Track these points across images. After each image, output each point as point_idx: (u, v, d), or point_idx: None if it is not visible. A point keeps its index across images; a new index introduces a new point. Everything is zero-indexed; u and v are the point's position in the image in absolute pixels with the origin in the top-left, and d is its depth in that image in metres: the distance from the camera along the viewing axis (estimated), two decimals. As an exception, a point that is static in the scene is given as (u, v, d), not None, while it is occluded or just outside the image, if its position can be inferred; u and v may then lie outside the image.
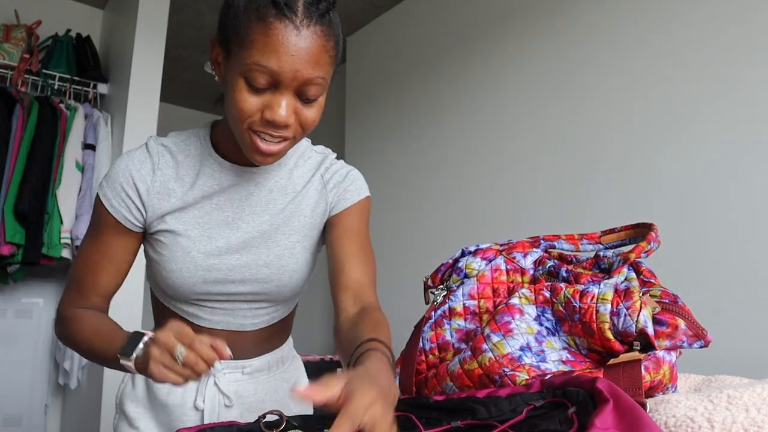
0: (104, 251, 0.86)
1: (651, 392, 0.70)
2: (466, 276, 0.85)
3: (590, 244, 0.86)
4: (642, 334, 0.66)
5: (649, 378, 0.68)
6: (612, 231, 0.86)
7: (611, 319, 0.68)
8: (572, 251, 0.87)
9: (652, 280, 0.77)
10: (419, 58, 2.87)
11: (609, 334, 0.67)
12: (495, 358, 0.71)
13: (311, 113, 0.76)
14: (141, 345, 0.69)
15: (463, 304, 0.83)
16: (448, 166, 2.62)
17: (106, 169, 2.44)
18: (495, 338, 0.73)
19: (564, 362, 0.71)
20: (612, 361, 0.68)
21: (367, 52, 3.25)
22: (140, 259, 0.90)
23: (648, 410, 0.60)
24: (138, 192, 0.84)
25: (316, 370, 1.04)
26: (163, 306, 0.92)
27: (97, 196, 0.85)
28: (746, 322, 1.57)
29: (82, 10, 2.97)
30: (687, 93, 1.80)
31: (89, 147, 2.48)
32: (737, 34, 1.71)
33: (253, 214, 0.87)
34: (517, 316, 0.74)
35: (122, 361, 0.71)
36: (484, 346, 0.73)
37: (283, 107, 0.73)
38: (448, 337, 0.82)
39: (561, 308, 0.73)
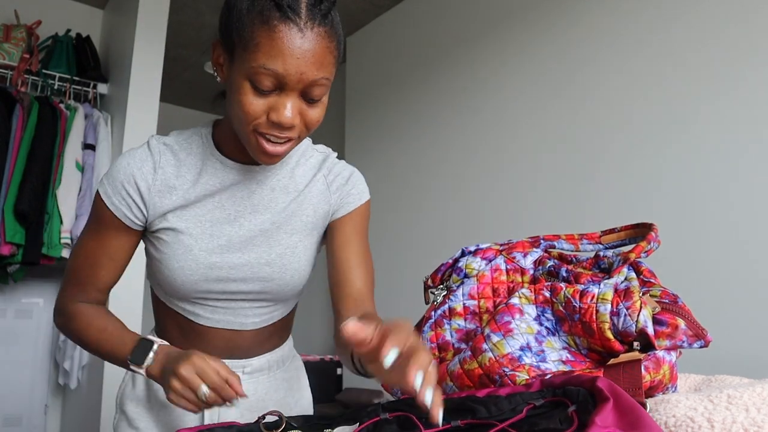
0: (104, 248, 0.86)
1: (651, 392, 0.70)
2: (466, 276, 0.85)
3: (590, 244, 0.86)
4: (642, 334, 0.66)
5: (649, 378, 0.68)
6: (612, 231, 0.86)
7: (611, 319, 0.68)
8: (572, 251, 0.87)
9: (652, 280, 0.77)
10: (419, 58, 2.87)
11: (609, 334, 0.67)
12: (495, 358, 0.71)
13: (316, 113, 0.77)
14: (151, 354, 0.77)
15: (463, 304, 0.83)
16: (448, 166, 2.62)
17: (106, 169, 2.44)
18: (495, 338, 0.73)
19: (564, 362, 0.71)
20: (612, 361, 0.68)
21: (367, 52, 3.25)
22: (141, 258, 0.91)
23: (648, 410, 0.60)
24: (139, 190, 0.84)
25: (316, 370, 1.05)
26: (164, 305, 0.92)
27: (98, 193, 0.85)
28: (746, 322, 1.57)
29: (82, 10, 2.97)
30: (687, 93, 1.81)
31: (89, 147, 2.48)
32: (737, 34, 1.71)
33: (255, 212, 0.88)
34: (517, 316, 0.74)
35: (133, 367, 0.78)
36: (484, 346, 0.73)
37: (289, 109, 0.73)
38: (448, 337, 0.82)
39: (561, 308, 0.73)
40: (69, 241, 2.34)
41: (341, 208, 0.92)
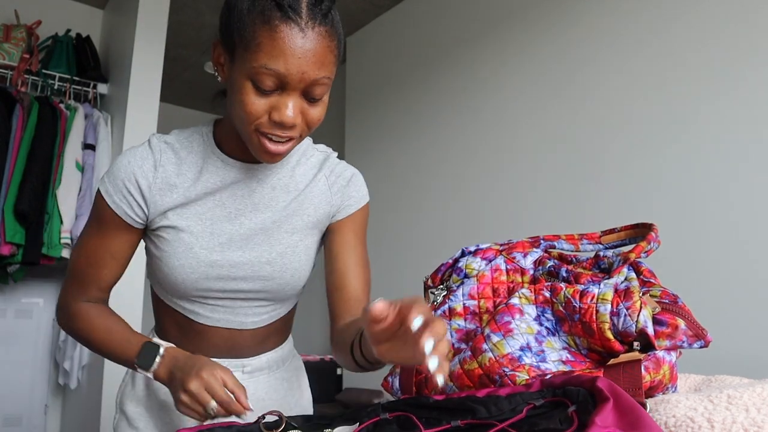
0: (105, 246, 0.86)
1: (651, 392, 0.70)
2: (466, 276, 0.85)
3: (590, 244, 0.86)
4: (642, 334, 0.66)
5: (649, 378, 0.68)
6: (612, 231, 0.86)
7: (611, 319, 0.68)
8: (572, 251, 0.87)
9: (652, 280, 0.77)
10: (419, 58, 2.87)
11: (609, 334, 0.67)
12: (495, 358, 0.71)
13: (317, 112, 0.77)
14: (158, 359, 0.79)
15: (463, 304, 0.83)
16: (448, 166, 2.62)
17: (106, 169, 2.44)
18: (495, 338, 0.73)
19: (564, 362, 0.71)
20: (612, 361, 0.68)
21: (367, 52, 3.25)
22: (141, 257, 0.91)
23: (648, 410, 0.60)
24: (140, 188, 0.84)
25: (316, 370, 1.05)
26: (164, 303, 0.92)
27: (99, 191, 0.86)
28: (746, 322, 1.57)
29: (82, 10, 2.97)
30: (687, 93, 1.80)
31: (89, 147, 2.48)
32: (737, 34, 1.71)
33: (255, 211, 0.88)
34: (517, 316, 0.74)
35: (140, 371, 0.81)
36: (484, 346, 0.73)
37: (291, 108, 0.74)
38: (447, 337, 0.82)
39: (561, 308, 0.73)
40: (69, 241, 2.34)
41: (342, 210, 0.93)
